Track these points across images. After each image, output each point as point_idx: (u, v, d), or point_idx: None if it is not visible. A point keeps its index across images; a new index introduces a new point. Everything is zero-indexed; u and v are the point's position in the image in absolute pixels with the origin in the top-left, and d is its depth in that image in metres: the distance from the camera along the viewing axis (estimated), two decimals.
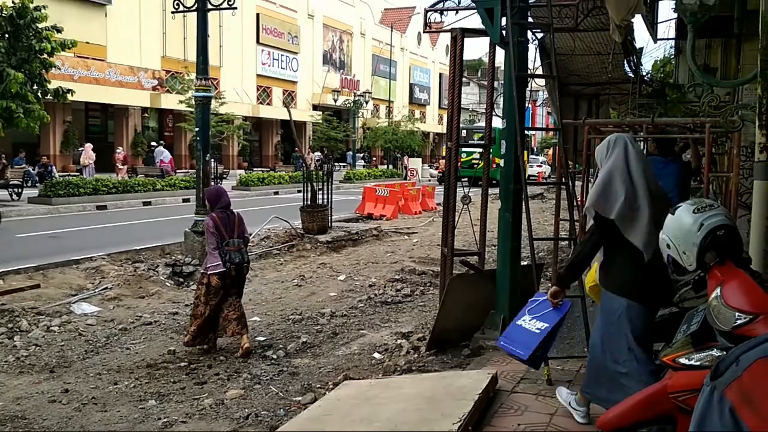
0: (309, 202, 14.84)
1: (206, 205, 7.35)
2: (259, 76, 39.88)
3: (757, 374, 0.79)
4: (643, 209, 3.73)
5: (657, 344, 3.92)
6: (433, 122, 61.21)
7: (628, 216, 3.71)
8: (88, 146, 26.43)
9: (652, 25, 9.79)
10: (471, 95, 67.26)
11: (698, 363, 2.98)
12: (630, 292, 3.77)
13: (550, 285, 6.89)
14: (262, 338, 7.48)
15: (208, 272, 6.88)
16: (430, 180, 39.45)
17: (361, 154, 46.28)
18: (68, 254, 11.03)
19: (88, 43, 27.27)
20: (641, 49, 11.65)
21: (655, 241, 3.46)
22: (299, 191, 17.63)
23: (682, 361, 3.05)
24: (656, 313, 3.89)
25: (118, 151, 27.59)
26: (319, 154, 38.86)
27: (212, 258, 6.86)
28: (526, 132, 6.43)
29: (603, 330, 3.90)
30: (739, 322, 2.87)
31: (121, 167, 26.67)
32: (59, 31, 17.72)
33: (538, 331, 4.22)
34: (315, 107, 42.64)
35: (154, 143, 29.84)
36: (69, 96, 18.52)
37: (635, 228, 3.73)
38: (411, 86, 58.95)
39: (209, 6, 11.10)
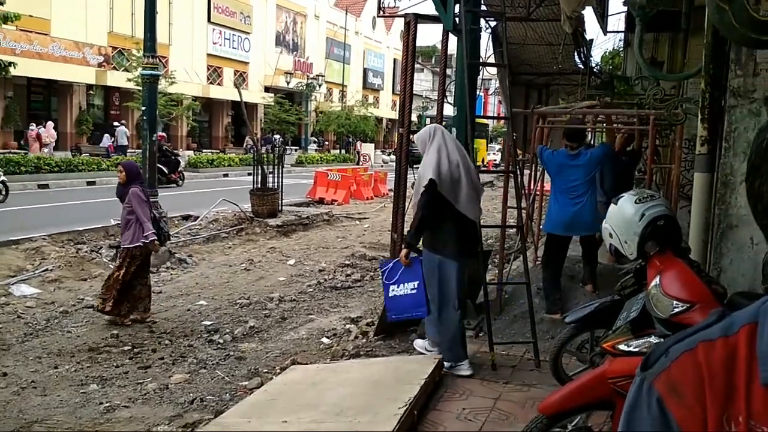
0: (259, 186, 14.68)
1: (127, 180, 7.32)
2: (209, 55, 39.08)
3: (684, 366, 0.81)
4: (462, 178, 4.85)
5: (598, 330, 4.03)
6: (387, 108, 61.11)
7: (452, 184, 4.80)
8: (50, 124, 26.18)
9: (602, 18, 9.95)
10: (425, 82, 67.31)
11: (636, 349, 3.06)
12: (443, 251, 4.90)
13: (501, 271, 6.99)
14: (209, 322, 7.40)
15: (148, 239, 7.00)
16: (382, 166, 39.46)
17: (314, 138, 45.98)
18: (7, 234, 10.67)
19: (31, 16, 26.27)
20: (591, 40, 11.86)
21: (474, 206, 4.80)
22: (249, 174, 17.42)
23: (621, 347, 3.13)
24: (465, 266, 5.03)
25: (31, 128, 26.73)
26: (279, 137, 38.57)
27: (146, 227, 6.99)
28: (480, 120, 6.51)
29: (426, 281, 4.94)
30: (676, 310, 2.96)
31: (33, 144, 25.95)
32: (1, 3, 17.02)
33: (414, 290, 4.97)
34: (267, 89, 42.04)
35: (116, 123, 29.16)
36: (11, 69, 17.83)
37: (457, 194, 4.84)
38: (365, 71, 58.67)
39: None
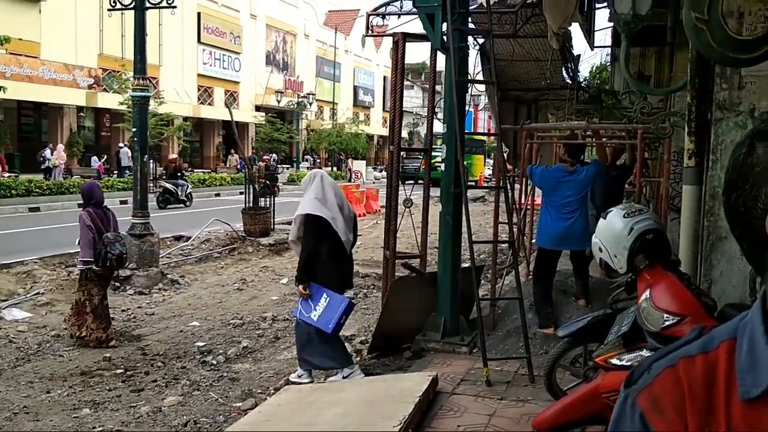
0: (251, 204, 14.68)
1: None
2: (200, 75, 39.19)
3: (666, 382, 0.83)
4: (337, 216, 5.48)
5: (591, 345, 4.04)
6: (378, 125, 61.31)
7: (331, 215, 5.44)
8: (60, 147, 26.53)
9: (589, 33, 10.05)
10: (415, 99, 67.61)
11: (629, 363, 3.08)
12: (321, 280, 5.51)
13: (492, 286, 7.00)
14: (202, 343, 7.36)
15: (87, 266, 7.09)
16: (374, 182, 39.51)
17: (308, 156, 45.99)
18: None
19: (21, 39, 26.30)
20: (579, 56, 11.99)
21: (349, 236, 5.51)
22: (241, 193, 17.40)
23: (614, 361, 3.14)
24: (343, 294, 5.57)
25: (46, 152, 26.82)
26: (275, 156, 38.76)
27: (82, 251, 7.07)
28: (478, 137, 6.53)
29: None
30: (667, 323, 2.98)
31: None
32: None
33: (328, 299, 5.50)
34: (258, 108, 42.12)
35: (121, 144, 29.23)
36: (1, 93, 17.81)
37: (337, 223, 5.45)
38: (355, 88, 58.94)
39: (147, 4, 10.86)
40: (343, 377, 5.59)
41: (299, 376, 5.75)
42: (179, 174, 22.14)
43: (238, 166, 34.30)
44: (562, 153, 6.46)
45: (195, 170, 35.20)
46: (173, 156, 25.07)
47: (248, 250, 13.23)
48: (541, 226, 6.44)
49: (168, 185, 21.17)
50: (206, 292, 10.04)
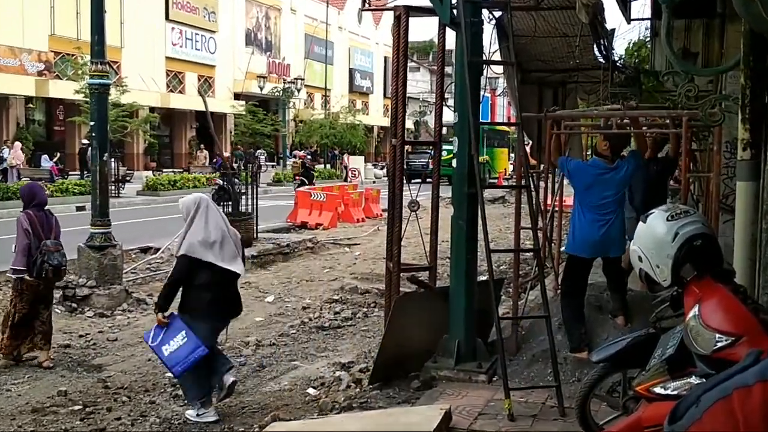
0: (230, 209, 14.69)
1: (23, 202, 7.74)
2: (168, 59, 39.30)
3: (717, 416, 0.82)
4: (216, 244, 6.01)
5: (631, 371, 4.04)
6: (378, 114, 61.41)
7: (212, 245, 5.98)
8: (17, 145, 26.80)
9: (624, 4, 10.06)
10: (421, 83, 67.68)
11: (675, 392, 3.07)
12: (192, 313, 6.04)
13: (514, 302, 7.00)
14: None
15: (19, 275, 7.24)
16: (374, 182, 39.55)
17: (303, 151, 46.06)
18: None
19: None
20: (613, 30, 11.95)
21: (236, 261, 6.10)
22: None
23: (658, 390, 3.14)
24: (226, 323, 6.41)
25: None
26: (263, 152, 39.35)
27: (19, 259, 7.19)
28: (501, 127, 6.53)
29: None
30: (719, 344, 2.97)
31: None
32: None
33: (185, 339, 5.92)
34: (237, 96, 42.22)
35: (86, 141, 29.28)
36: None
37: (219, 253, 6.00)
38: (351, 72, 59.04)
39: None
40: (188, 415, 6.10)
41: (198, 415, 6.06)
42: (233, 172, 24.07)
43: (215, 165, 34.35)
44: (604, 148, 6.41)
45: (164, 170, 35.30)
46: (227, 155, 29.81)
47: None
48: (573, 231, 6.42)
49: (221, 182, 22.53)
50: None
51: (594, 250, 6.32)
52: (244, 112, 39.33)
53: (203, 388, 6.09)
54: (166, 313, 6.11)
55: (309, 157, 45.32)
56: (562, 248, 8.03)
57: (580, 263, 6.38)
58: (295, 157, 36.18)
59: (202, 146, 38.45)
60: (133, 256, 13.32)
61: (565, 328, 6.35)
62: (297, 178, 31.64)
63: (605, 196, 6.24)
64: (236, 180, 15.58)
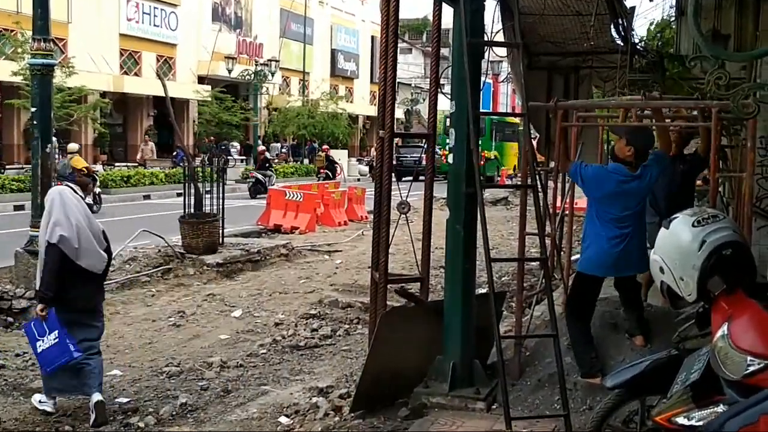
0: (193, 210, 14.64)
1: None
2: (123, 36, 39.11)
3: None
4: (84, 238, 6.73)
5: (650, 397, 4.05)
6: (364, 102, 61.37)
7: (72, 241, 6.63)
8: None
9: None
10: (414, 66, 67.77)
11: (700, 423, 3.08)
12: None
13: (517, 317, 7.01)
14: (124, 399, 7.34)
15: None
16: (359, 179, 39.56)
17: (275, 144, 45.97)
18: None
19: None
20: (633, 8, 11.99)
21: (96, 260, 6.83)
22: (179, 195, 17.35)
23: (680, 420, 3.15)
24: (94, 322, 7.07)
25: None
26: (237, 144, 39.72)
27: None
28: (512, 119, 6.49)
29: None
30: (751, 368, 2.98)
31: None
32: None
33: (56, 339, 6.55)
34: (201, 80, 42.10)
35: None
36: None
37: (78, 250, 6.67)
38: (333, 53, 59.00)
39: None
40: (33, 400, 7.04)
41: (39, 402, 6.99)
42: (267, 165, 30.97)
43: (175, 159, 34.25)
44: (628, 154, 6.27)
45: (116, 164, 35.14)
46: (261, 147, 34.94)
47: (188, 273, 13.19)
48: (589, 247, 6.36)
49: (259, 175, 29.19)
50: (131, 329, 10.00)
51: (611, 270, 6.32)
52: (209, 99, 39.20)
53: (64, 385, 6.83)
54: (41, 308, 6.66)
55: (283, 150, 45.42)
56: (573, 257, 8.05)
57: (591, 283, 6.36)
58: (319, 151, 41.01)
59: (147, 138, 37.67)
60: None
61: (573, 352, 6.35)
62: (321, 171, 35.91)
63: (628, 207, 6.18)
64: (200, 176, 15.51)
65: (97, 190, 22.20)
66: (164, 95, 17.93)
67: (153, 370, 8.30)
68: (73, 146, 22.52)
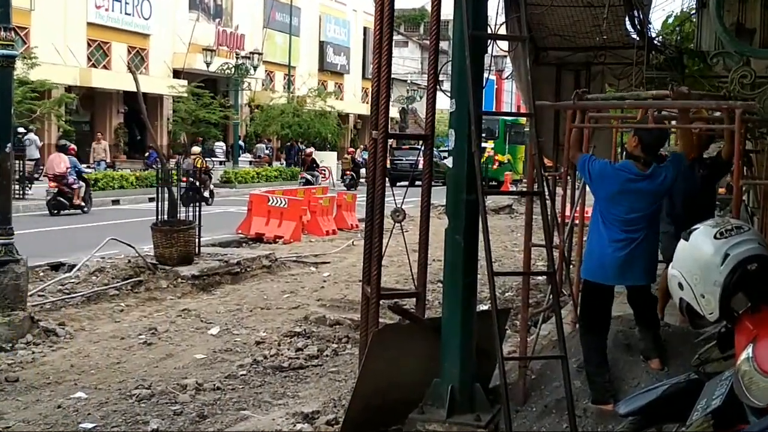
0: (166, 217, 14.63)
1: None
2: (91, 25, 39.11)
3: None
4: None
5: (668, 426, 4.05)
6: (356, 99, 61.51)
7: None
8: None
9: None
10: (410, 61, 67.94)
11: None
12: None
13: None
14: (90, 425, 7.32)
15: None
16: (334, 185, 39.53)
17: (260, 145, 46.00)
18: None
19: None
20: (650, 1, 12.03)
21: None
22: (152, 200, 17.33)
23: None
24: None
25: None
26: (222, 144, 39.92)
27: None
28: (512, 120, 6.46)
29: None
30: None
31: None
32: None
33: None
34: (177, 74, 42.08)
35: (22, 129, 28.91)
36: None
37: None
38: (322, 46, 59.09)
39: None
40: None
41: None
42: (315, 165, 37.34)
43: (148, 160, 34.21)
44: (634, 146, 6.37)
45: (83, 165, 35.02)
46: (309, 150, 40.47)
47: (161, 285, 13.16)
48: (591, 251, 6.42)
49: (308, 176, 35.40)
50: (97, 348, 9.96)
51: (613, 276, 6.31)
52: (185, 94, 39.17)
53: None
54: None
55: (267, 152, 45.43)
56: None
57: (598, 292, 6.37)
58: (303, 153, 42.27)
59: (99, 135, 36.89)
60: (41, 274, 13.21)
61: (586, 375, 6.36)
62: (347, 173, 39.02)
63: (634, 209, 6.21)
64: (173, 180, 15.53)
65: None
66: (136, 90, 17.91)
67: (121, 392, 8.25)
68: (196, 149, 30.69)
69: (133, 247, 14.03)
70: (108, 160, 34.90)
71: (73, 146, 26.60)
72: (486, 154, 39.44)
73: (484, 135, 43.02)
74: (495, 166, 40.47)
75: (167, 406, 7.89)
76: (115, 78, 38.65)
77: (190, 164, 26.63)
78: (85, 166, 27.26)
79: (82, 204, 23.77)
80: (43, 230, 18.78)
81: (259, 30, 50.30)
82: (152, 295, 12.81)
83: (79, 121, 39.06)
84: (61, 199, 23.15)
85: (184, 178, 25.11)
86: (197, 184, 23.49)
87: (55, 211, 22.86)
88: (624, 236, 6.21)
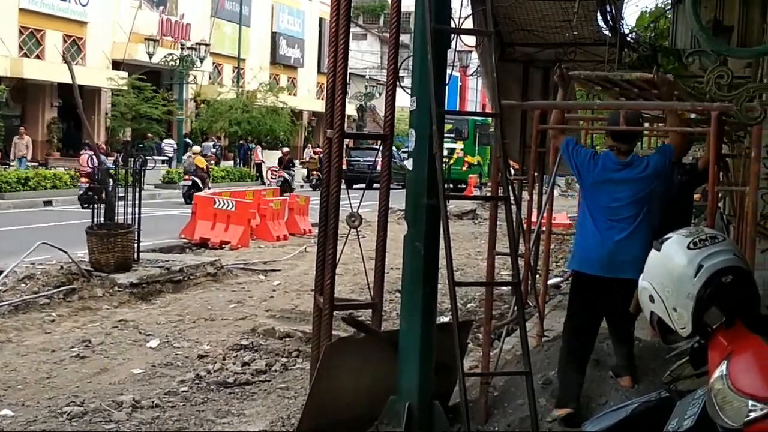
0: (103, 220, 14.50)
1: None
2: (23, 11, 38.72)
3: None
4: None
5: None
6: (310, 95, 61.41)
7: None
8: None
9: None
10: (369, 55, 67.98)
11: None
12: None
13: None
14: None
15: None
16: (302, 186, 39.49)
17: (207, 143, 45.75)
18: None
19: None
20: None
21: None
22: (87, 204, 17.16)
23: None
24: None
25: None
26: (172, 142, 39.53)
27: None
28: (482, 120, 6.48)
29: None
30: (753, 414, 3.01)
31: None
32: None
33: None
34: (117, 65, 41.80)
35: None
36: None
37: None
38: (274, 37, 58.93)
39: None
40: None
41: None
42: (291, 165, 39.06)
43: (88, 162, 33.87)
44: (606, 137, 6.55)
45: (10, 164, 34.66)
46: (286, 149, 41.23)
47: (96, 294, 13.05)
48: (579, 242, 6.53)
49: (286, 175, 37.15)
50: (26, 361, 9.86)
51: (600, 266, 6.35)
52: (125, 87, 38.91)
53: None
54: None
55: (215, 150, 45.22)
56: (551, 281, 8.12)
57: (587, 286, 6.43)
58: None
59: (23, 130, 36.01)
60: None
61: (559, 377, 6.39)
62: (314, 174, 39.80)
63: (618, 198, 6.34)
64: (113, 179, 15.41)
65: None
66: (71, 82, 17.77)
67: (51, 410, 8.17)
68: (196, 148, 34.05)
69: (66, 252, 13.89)
70: (29, 157, 34.23)
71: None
72: (455, 156, 39.72)
73: (452, 136, 43.72)
74: (464, 168, 40.75)
75: (101, 424, 7.83)
76: (49, 69, 38.26)
77: (191, 163, 30.48)
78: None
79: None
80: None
81: (206, 19, 50.06)
82: (86, 304, 12.69)
83: (9, 115, 38.58)
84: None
85: (186, 176, 30.23)
86: (199, 182, 25.18)
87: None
88: (609, 225, 6.32)
